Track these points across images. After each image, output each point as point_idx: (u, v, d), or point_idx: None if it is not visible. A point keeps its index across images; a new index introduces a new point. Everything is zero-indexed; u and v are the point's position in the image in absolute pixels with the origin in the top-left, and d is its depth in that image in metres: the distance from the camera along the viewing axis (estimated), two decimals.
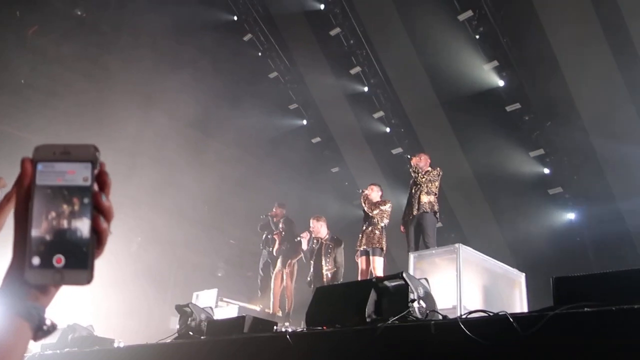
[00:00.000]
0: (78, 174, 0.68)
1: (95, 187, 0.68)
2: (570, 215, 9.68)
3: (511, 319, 2.34)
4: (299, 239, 7.51)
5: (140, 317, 9.29)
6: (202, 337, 4.60)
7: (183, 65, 10.11)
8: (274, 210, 8.92)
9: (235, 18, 11.68)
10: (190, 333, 4.94)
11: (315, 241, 7.43)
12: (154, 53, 9.84)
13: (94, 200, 0.67)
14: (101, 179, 0.69)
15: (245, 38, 11.69)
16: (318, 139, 12.29)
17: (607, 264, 7.78)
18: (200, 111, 10.18)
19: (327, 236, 7.40)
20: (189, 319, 5.14)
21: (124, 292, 8.89)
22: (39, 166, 0.68)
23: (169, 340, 4.77)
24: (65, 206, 0.67)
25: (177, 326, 5.25)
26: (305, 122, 12.22)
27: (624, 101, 8.37)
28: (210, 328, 4.59)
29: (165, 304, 9.92)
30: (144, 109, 9.55)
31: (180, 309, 5.30)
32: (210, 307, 5.68)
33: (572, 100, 8.83)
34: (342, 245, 7.33)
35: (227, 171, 10.85)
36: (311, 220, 7.47)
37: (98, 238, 0.68)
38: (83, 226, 0.67)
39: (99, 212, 0.68)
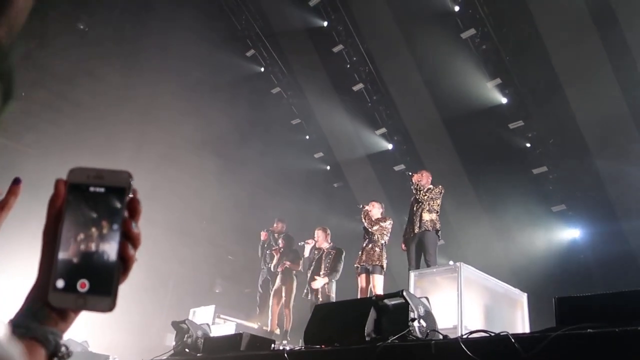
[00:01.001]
0: (110, 199, 0.68)
1: (126, 213, 0.68)
2: (574, 233, 9.67)
3: (513, 340, 2.32)
4: (302, 243, 7.56)
5: (136, 333, 9.23)
6: (198, 355, 4.57)
7: (185, 83, 10.14)
8: (274, 225, 8.93)
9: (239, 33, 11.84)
10: (187, 350, 4.91)
11: (316, 252, 7.46)
12: (155, 69, 9.92)
13: (124, 226, 0.67)
14: (132, 205, 0.69)
15: (248, 54, 11.81)
16: (320, 154, 12.36)
17: (612, 284, 7.75)
18: (200, 128, 10.22)
19: (329, 247, 7.47)
20: (186, 335, 5.10)
21: (120, 307, 8.55)
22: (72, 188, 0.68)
23: (164, 357, 4.73)
24: (94, 230, 0.66)
25: (173, 343, 5.21)
26: (307, 137, 12.31)
27: (626, 121, 8.42)
28: (207, 345, 4.56)
29: (161, 320, 9.86)
30: (143, 124, 9.59)
31: (176, 325, 5.27)
32: (207, 324, 5.65)
33: (575, 118, 8.88)
34: (343, 254, 7.38)
35: (226, 186, 10.89)
36: (316, 231, 7.53)
37: (124, 265, 0.68)
38: (110, 251, 0.66)
39: (128, 239, 0.68)
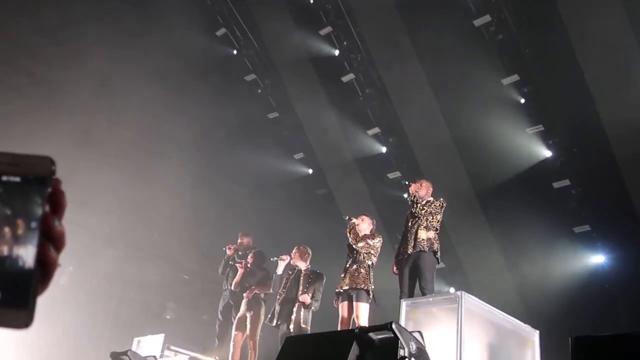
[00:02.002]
0: (27, 191, 0.65)
1: (47, 208, 0.65)
2: (599, 259, 9.72)
3: None
4: (275, 259, 7.50)
5: None
6: None
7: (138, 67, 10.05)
8: (238, 241, 8.91)
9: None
10: None
11: (290, 272, 7.45)
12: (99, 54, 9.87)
13: (44, 224, 0.65)
14: (55, 198, 0.66)
15: (218, 33, 11.79)
16: (301, 155, 12.37)
17: None
18: (155, 121, 10.21)
19: (307, 268, 7.46)
20: None
21: (50, 333, 8.73)
22: None
23: None
24: (7, 229, 0.64)
25: None
26: (286, 134, 12.33)
27: None
28: None
29: (99, 351, 9.72)
30: (85, 124, 9.57)
31: (116, 357, 5.22)
32: (154, 357, 5.61)
33: (602, 122, 9.03)
34: (324, 280, 7.37)
35: (185, 191, 10.81)
36: (295, 249, 7.53)
37: (44, 271, 0.65)
38: (27, 255, 0.63)
39: (49, 240, 0.65)
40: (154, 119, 10.33)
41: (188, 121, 10.54)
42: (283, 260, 7.45)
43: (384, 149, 11.34)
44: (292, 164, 12.56)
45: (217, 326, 8.77)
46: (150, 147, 10.61)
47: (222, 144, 11.39)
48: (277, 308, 7.31)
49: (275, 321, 7.24)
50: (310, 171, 12.56)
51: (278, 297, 7.42)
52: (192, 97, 10.81)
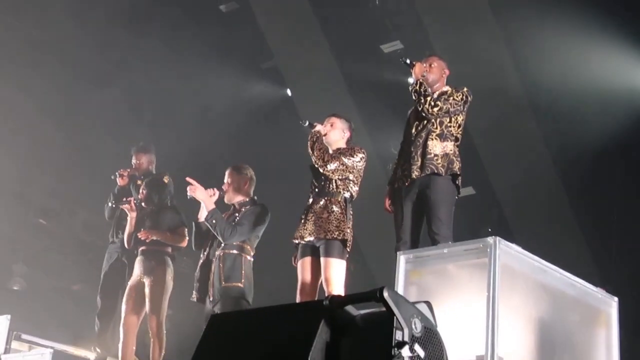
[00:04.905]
0: None
1: None
2: None
3: None
4: (192, 195, 7.42)
5: None
6: None
7: None
8: (133, 161, 9.17)
9: None
10: None
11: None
12: None
13: None
14: None
15: None
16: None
17: None
18: None
19: (246, 200, 7.51)
20: None
21: None
22: None
23: None
24: None
25: None
26: None
27: None
28: None
29: None
30: None
31: None
32: None
33: None
34: (268, 216, 7.47)
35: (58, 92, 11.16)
36: (227, 173, 7.61)
37: None
38: None
39: None
40: None
41: None
42: (211, 195, 7.41)
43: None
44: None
45: (98, 300, 8.94)
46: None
47: None
48: (198, 274, 7.42)
49: (195, 293, 7.35)
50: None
51: (201, 256, 7.52)
52: None
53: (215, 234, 7.22)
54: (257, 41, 12.95)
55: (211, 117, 12.62)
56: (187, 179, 7.37)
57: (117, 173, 9.07)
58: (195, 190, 7.29)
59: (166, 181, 8.63)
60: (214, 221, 7.14)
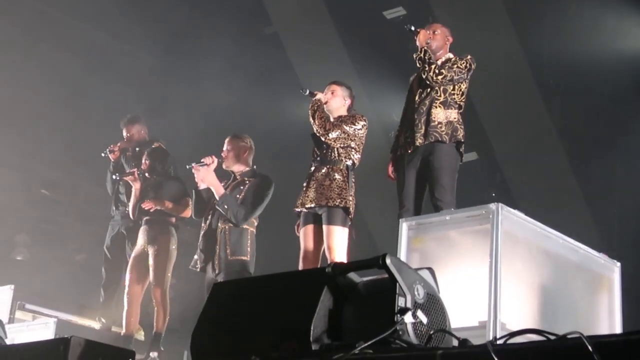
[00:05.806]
0: None
1: None
2: None
3: (590, 347, 2.41)
4: (191, 166, 7.43)
5: None
6: None
7: None
8: (124, 134, 9.24)
9: None
10: None
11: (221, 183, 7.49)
12: None
13: None
14: None
15: None
16: None
17: None
18: None
19: (246, 171, 7.52)
20: None
21: None
22: None
23: None
24: None
25: None
26: None
27: None
28: None
29: None
30: None
31: None
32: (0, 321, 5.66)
33: None
34: (272, 189, 7.46)
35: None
36: (226, 140, 7.61)
37: None
38: None
39: None
40: None
41: None
42: (208, 165, 7.41)
43: None
44: None
45: (103, 271, 9.02)
46: None
47: None
48: (201, 244, 7.44)
49: (199, 262, 7.37)
50: None
51: (202, 224, 7.54)
52: None
53: (228, 216, 7.22)
54: (257, 7, 12.80)
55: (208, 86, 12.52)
56: (194, 167, 7.40)
57: (107, 150, 9.15)
58: (206, 176, 7.32)
59: (166, 150, 8.64)
60: (225, 206, 7.18)
